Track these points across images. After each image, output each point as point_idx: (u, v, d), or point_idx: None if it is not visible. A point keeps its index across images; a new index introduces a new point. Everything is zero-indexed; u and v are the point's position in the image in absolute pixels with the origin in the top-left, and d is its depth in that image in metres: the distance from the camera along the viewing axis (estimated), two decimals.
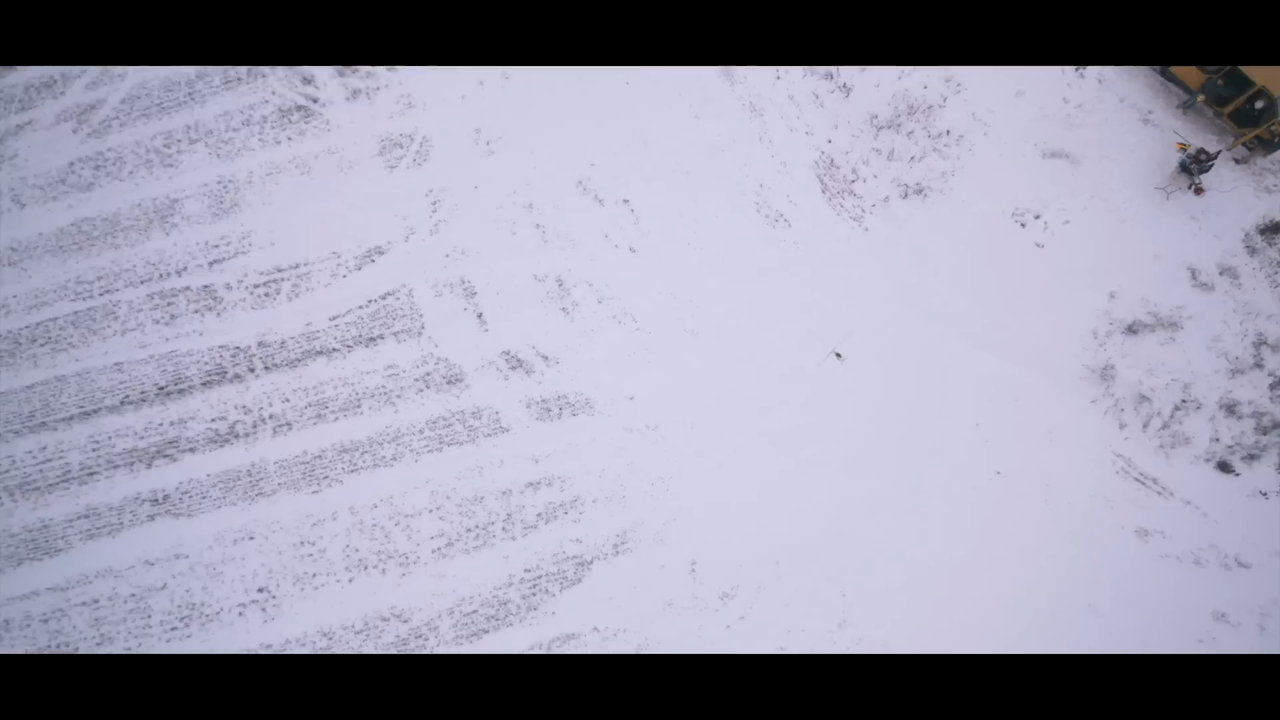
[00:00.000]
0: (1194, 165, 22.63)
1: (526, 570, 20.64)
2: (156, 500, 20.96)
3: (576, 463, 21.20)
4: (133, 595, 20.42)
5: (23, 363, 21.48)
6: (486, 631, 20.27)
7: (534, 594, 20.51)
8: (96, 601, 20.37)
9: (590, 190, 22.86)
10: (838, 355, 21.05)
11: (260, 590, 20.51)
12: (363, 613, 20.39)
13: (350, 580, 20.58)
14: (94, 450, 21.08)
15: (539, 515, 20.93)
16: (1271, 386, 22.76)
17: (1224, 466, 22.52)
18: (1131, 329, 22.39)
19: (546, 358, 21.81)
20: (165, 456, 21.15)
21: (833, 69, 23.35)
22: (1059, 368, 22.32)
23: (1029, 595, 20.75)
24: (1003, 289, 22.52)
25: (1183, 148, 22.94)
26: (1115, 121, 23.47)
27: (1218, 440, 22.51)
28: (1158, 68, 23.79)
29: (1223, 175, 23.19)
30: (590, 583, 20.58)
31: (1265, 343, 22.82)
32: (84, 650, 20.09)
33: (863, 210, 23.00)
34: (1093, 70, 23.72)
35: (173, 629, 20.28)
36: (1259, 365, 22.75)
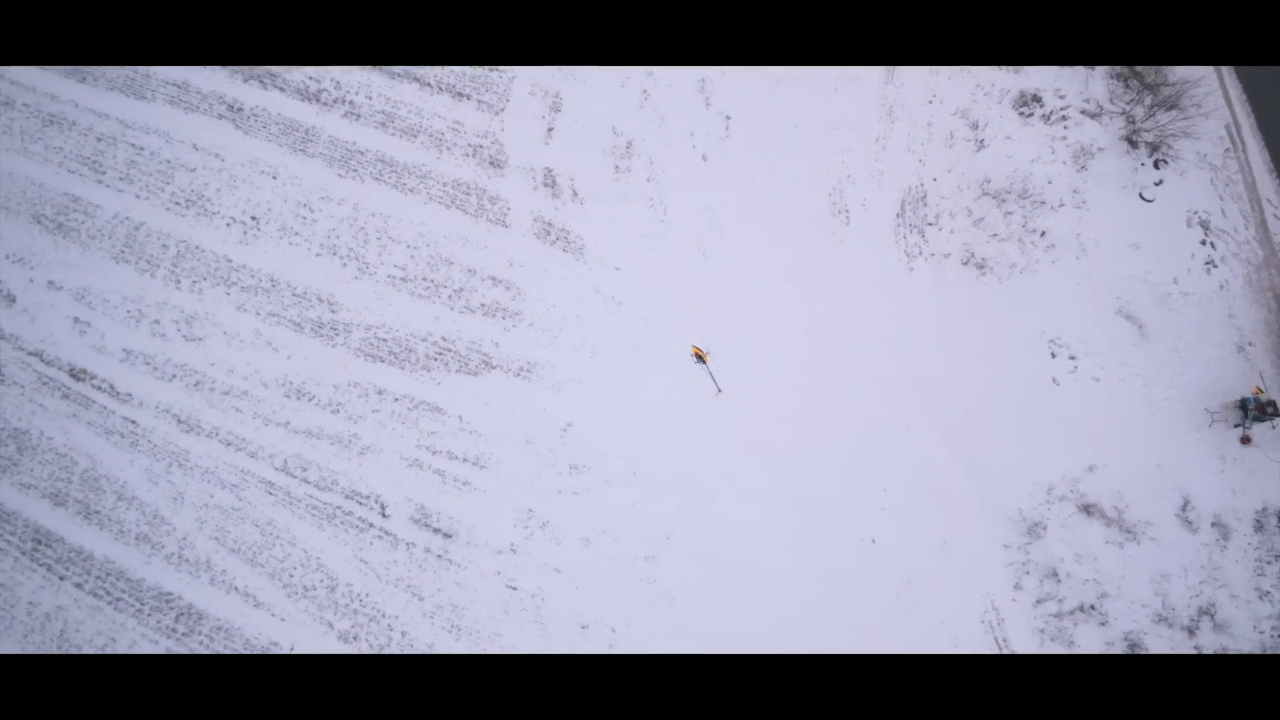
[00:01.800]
0: (1256, 410, 20.98)
1: (444, 338, 22.20)
2: (232, 107, 23.92)
3: (539, 286, 22.47)
4: (167, 162, 23.52)
5: None
6: (381, 360, 22.04)
7: (436, 359, 22.06)
8: (142, 150, 23.61)
9: (706, 90, 23.79)
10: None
11: (252, 218, 23.12)
12: (308, 284, 22.62)
13: (317, 255, 22.84)
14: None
15: (482, 305, 22.39)
16: None
17: None
18: (1088, 510, 21.17)
19: (576, 194, 23.10)
20: (260, 82, 24.05)
21: (980, 120, 23.05)
22: (996, 496, 21.44)
23: (804, 642, 20.22)
24: (995, 397, 21.77)
25: (1259, 392, 21.26)
26: (1211, 328, 21.98)
27: None
28: None
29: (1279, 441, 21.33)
30: (482, 382, 21.90)
31: (1211, 615, 20.99)
32: (108, 180, 23.36)
33: (920, 252, 22.76)
34: (1222, 273, 22.27)
35: (176, 203, 23.24)
36: (1191, 631, 20.97)
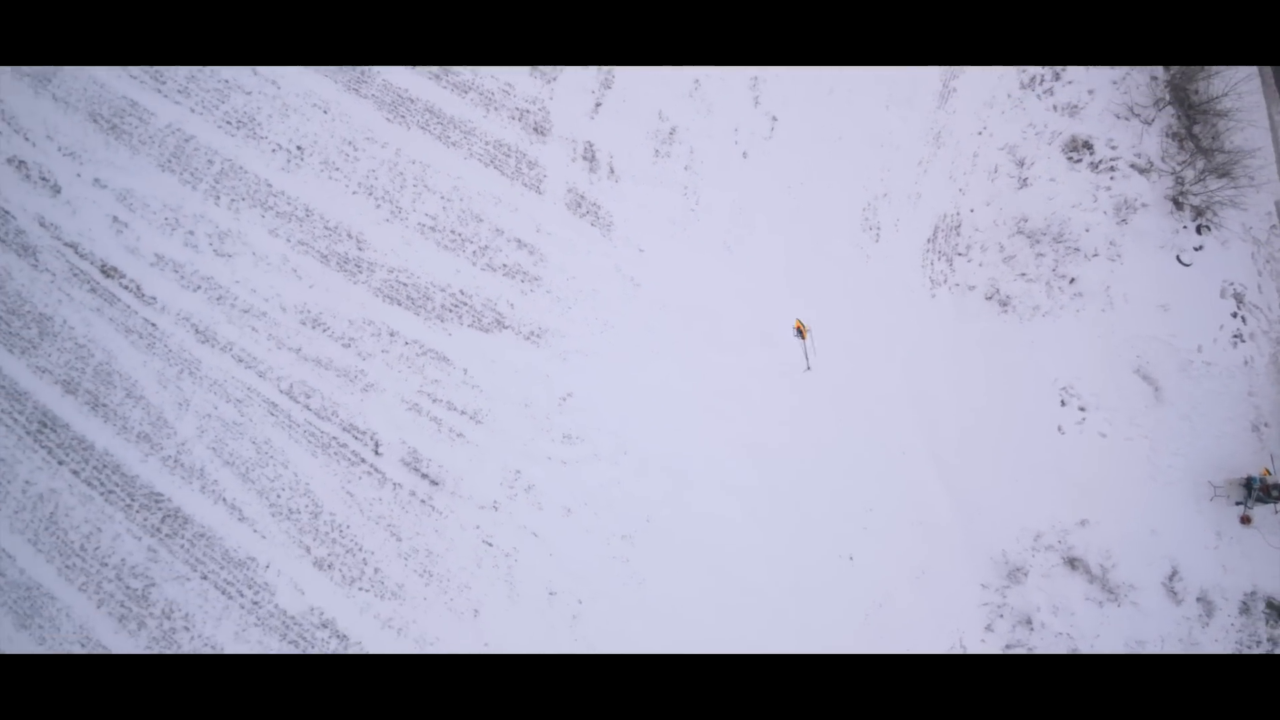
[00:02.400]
0: (1260, 492, 20.56)
1: (462, 291, 22.53)
2: None
3: (562, 257, 22.71)
4: (225, 82, 24.15)
5: None
6: (399, 303, 22.43)
7: (452, 311, 22.40)
8: (193, 77, 24.22)
9: (757, 90, 23.85)
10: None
11: (298, 148, 23.65)
12: (341, 219, 23.09)
13: (353, 193, 23.30)
14: None
15: (504, 265, 22.69)
16: None
17: None
18: (1072, 563, 20.90)
19: (613, 171, 23.31)
20: None
21: (1027, 158, 22.86)
22: (981, 534, 21.23)
23: (765, 646, 20.11)
24: (996, 435, 21.57)
25: (1266, 473, 20.84)
26: (1228, 402, 21.57)
27: None
28: None
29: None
30: (492, 340, 22.20)
31: None
32: (167, 91, 24.01)
33: (945, 281, 22.62)
34: (1249, 349, 21.85)
35: (228, 123, 23.84)
36: None
